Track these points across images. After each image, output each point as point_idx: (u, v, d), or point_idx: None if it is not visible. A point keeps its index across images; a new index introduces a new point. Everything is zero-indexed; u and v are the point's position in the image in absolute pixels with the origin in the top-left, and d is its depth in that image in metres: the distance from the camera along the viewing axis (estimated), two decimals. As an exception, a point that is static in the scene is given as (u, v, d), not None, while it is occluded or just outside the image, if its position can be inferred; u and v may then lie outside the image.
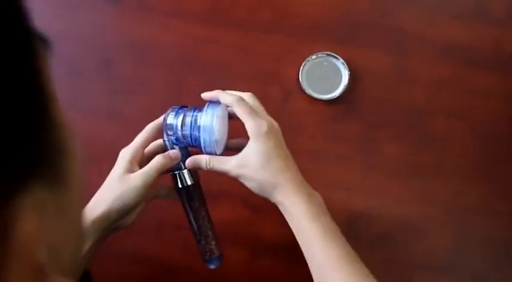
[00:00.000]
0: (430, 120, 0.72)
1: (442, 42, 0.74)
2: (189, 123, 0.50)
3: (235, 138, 0.54)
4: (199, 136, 0.50)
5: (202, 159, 0.51)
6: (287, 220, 0.50)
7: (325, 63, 0.73)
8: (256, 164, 0.48)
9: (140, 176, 0.50)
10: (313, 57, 0.72)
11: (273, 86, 0.73)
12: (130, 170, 0.51)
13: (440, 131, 0.71)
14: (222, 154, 0.52)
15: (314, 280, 0.48)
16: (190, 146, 0.53)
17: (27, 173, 0.19)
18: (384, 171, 0.70)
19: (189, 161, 0.52)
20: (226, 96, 0.50)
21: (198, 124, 0.50)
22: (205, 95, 0.52)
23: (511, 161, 0.71)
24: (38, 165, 0.20)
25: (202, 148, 0.50)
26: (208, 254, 0.56)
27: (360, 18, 0.75)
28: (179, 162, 0.53)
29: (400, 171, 0.70)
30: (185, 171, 0.53)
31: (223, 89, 0.53)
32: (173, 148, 0.53)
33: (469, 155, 0.71)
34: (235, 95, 0.51)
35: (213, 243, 0.56)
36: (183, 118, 0.51)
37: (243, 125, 0.49)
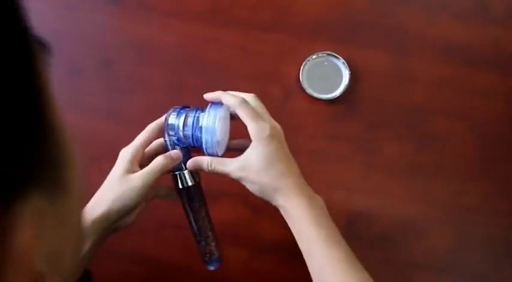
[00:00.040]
0: (430, 120, 0.72)
1: (442, 42, 0.74)
2: (191, 123, 0.50)
3: (237, 139, 0.54)
4: (200, 137, 0.49)
5: (204, 161, 0.51)
6: (288, 224, 0.50)
7: (326, 63, 0.73)
8: (258, 167, 0.48)
9: (141, 177, 0.49)
10: (314, 56, 0.72)
11: (273, 85, 0.73)
12: (130, 170, 0.50)
13: (441, 131, 0.71)
14: (223, 155, 0.52)
15: None
16: (192, 146, 0.52)
17: (26, 179, 0.19)
18: (384, 171, 0.70)
19: (190, 162, 0.51)
20: (229, 98, 0.50)
21: (200, 125, 0.49)
22: (208, 96, 0.52)
23: (511, 161, 0.71)
24: (37, 171, 0.20)
25: (204, 149, 0.50)
26: (208, 255, 0.55)
27: (361, 18, 0.75)
28: (180, 163, 0.53)
29: (400, 171, 0.70)
30: (186, 172, 0.53)
31: (224, 89, 0.53)
32: (174, 148, 0.53)
33: (469, 155, 0.71)
34: (237, 96, 0.50)
35: (213, 244, 0.56)
36: (184, 118, 0.51)
37: (245, 127, 0.49)
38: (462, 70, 0.73)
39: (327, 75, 0.73)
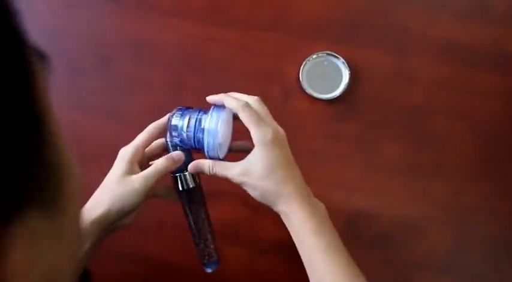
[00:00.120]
0: (430, 120, 0.72)
1: (443, 42, 0.74)
2: (193, 125, 0.50)
3: (240, 141, 0.53)
4: (202, 139, 0.49)
5: (205, 164, 0.50)
6: (289, 230, 0.50)
7: (326, 63, 0.73)
8: (259, 173, 0.48)
9: (142, 179, 0.49)
10: (314, 56, 0.72)
11: (273, 85, 0.73)
12: (130, 170, 0.50)
13: (441, 131, 0.71)
14: (225, 157, 0.52)
15: None
16: (193, 148, 0.52)
17: (23, 199, 0.18)
18: (384, 171, 0.70)
19: (191, 166, 0.51)
20: (232, 102, 0.49)
21: (202, 126, 0.49)
22: (211, 99, 0.51)
23: (511, 161, 0.70)
24: (35, 191, 0.19)
25: (205, 151, 0.50)
26: (206, 257, 0.55)
27: (360, 17, 0.75)
28: (181, 164, 0.52)
29: (400, 171, 0.70)
30: (187, 174, 0.53)
31: (224, 88, 0.52)
32: (176, 149, 0.52)
33: (469, 155, 0.71)
34: (240, 100, 0.49)
35: (212, 246, 0.55)
36: (187, 119, 0.50)
37: (248, 130, 0.49)
38: (462, 70, 0.73)
39: (327, 75, 0.73)
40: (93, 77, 0.74)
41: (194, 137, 0.50)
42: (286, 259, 0.66)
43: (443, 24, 0.75)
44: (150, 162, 0.55)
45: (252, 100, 0.50)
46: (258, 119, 0.48)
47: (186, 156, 0.52)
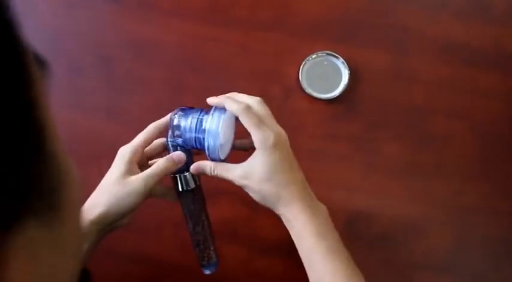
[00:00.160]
0: (430, 120, 0.72)
1: (442, 42, 0.74)
2: (194, 125, 0.49)
3: (243, 139, 0.53)
4: (203, 139, 0.48)
5: (207, 166, 0.50)
6: (290, 232, 0.50)
7: (325, 63, 0.73)
8: (260, 177, 0.48)
9: (142, 180, 0.49)
10: (313, 56, 0.72)
11: (273, 85, 0.73)
12: (130, 171, 0.50)
13: (440, 131, 0.71)
14: (226, 158, 0.52)
15: None
16: (194, 148, 0.51)
17: (22, 209, 0.18)
18: (384, 171, 0.70)
19: (193, 167, 0.51)
20: (233, 105, 0.48)
21: (203, 127, 0.49)
22: (211, 101, 0.50)
23: (511, 161, 0.70)
24: (34, 201, 0.19)
25: (206, 152, 0.49)
26: (206, 259, 0.54)
27: (360, 17, 0.75)
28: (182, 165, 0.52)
29: (400, 171, 0.70)
30: (188, 175, 0.52)
31: (224, 88, 0.52)
32: (176, 150, 0.52)
33: (469, 155, 0.71)
34: (241, 102, 0.48)
35: (212, 248, 0.55)
36: (188, 119, 0.50)
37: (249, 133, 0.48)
38: (462, 70, 0.73)
39: (327, 75, 0.72)
40: (93, 77, 0.74)
41: (195, 138, 0.50)
42: (285, 258, 0.66)
43: (443, 24, 0.75)
44: (150, 162, 0.55)
45: (254, 101, 0.50)
46: (259, 122, 0.48)
47: (186, 157, 0.52)
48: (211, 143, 0.48)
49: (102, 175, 0.52)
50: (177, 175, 0.52)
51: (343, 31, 0.75)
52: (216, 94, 0.52)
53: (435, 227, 0.68)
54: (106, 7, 0.76)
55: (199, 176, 0.54)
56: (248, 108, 0.48)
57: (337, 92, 0.71)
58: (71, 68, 0.74)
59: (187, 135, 0.50)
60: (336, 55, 0.72)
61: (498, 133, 0.71)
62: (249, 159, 0.49)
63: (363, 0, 0.76)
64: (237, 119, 0.52)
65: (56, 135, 0.21)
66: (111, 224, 0.50)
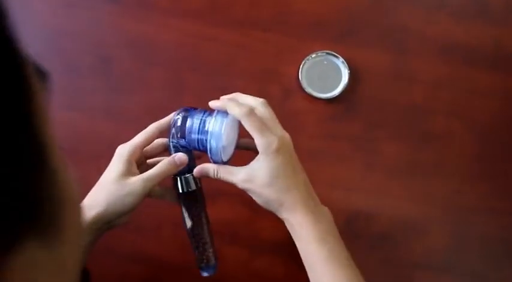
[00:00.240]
0: (430, 119, 0.72)
1: (442, 42, 0.74)
2: (197, 126, 0.49)
3: (246, 138, 0.52)
4: (206, 141, 0.48)
5: (210, 168, 0.50)
6: (292, 237, 0.50)
7: (325, 62, 0.73)
8: (263, 182, 0.47)
9: (142, 182, 0.48)
10: (313, 55, 0.72)
11: (272, 84, 0.73)
12: (129, 171, 0.49)
13: (440, 131, 0.71)
14: (229, 160, 0.51)
15: None
16: (196, 149, 0.51)
17: (23, 229, 0.18)
18: (384, 170, 0.70)
19: (196, 170, 0.51)
20: (235, 109, 0.47)
21: (206, 129, 0.48)
22: (213, 104, 0.50)
23: (510, 161, 0.70)
24: (34, 219, 0.19)
25: (208, 154, 0.49)
26: (204, 261, 0.54)
27: (360, 17, 0.75)
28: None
29: (399, 171, 0.70)
30: (189, 176, 0.52)
31: (223, 88, 0.52)
32: (178, 150, 0.51)
33: (469, 155, 0.71)
34: (244, 106, 0.48)
35: (211, 250, 0.54)
36: (190, 120, 0.49)
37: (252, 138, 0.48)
38: (462, 70, 0.73)
39: (326, 75, 0.72)
40: (92, 77, 0.74)
41: (197, 139, 0.49)
42: (286, 259, 0.66)
43: (443, 24, 0.75)
44: (148, 161, 0.55)
45: (258, 103, 0.49)
46: (262, 126, 0.47)
47: (188, 159, 0.51)
48: (214, 145, 0.48)
49: (100, 175, 0.52)
50: (178, 176, 0.52)
51: (343, 31, 0.75)
52: (216, 94, 0.52)
53: (435, 226, 0.68)
54: (105, 7, 0.76)
55: (200, 178, 0.54)
56: (250, 112, 0.47)
57: (336, 92, 0.71)
58: (70, 68, 0.74)
59: (190, 136, 0.49)
60: (336, 55, 0.72)
61: (497, 133, 0.71)
62: (252, 163, 0.48)
63: (363, 0, 0.76)
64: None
65: (56, 150, 0.21)
66: (109, 222, 0.50)
